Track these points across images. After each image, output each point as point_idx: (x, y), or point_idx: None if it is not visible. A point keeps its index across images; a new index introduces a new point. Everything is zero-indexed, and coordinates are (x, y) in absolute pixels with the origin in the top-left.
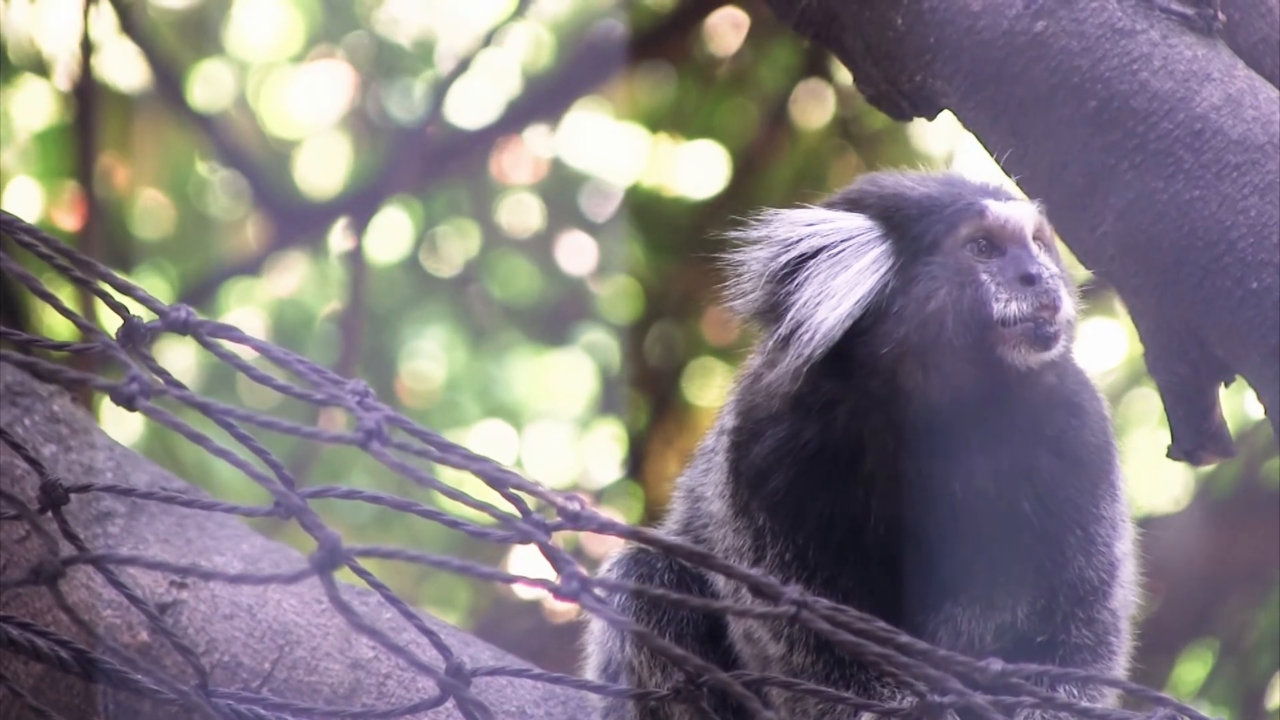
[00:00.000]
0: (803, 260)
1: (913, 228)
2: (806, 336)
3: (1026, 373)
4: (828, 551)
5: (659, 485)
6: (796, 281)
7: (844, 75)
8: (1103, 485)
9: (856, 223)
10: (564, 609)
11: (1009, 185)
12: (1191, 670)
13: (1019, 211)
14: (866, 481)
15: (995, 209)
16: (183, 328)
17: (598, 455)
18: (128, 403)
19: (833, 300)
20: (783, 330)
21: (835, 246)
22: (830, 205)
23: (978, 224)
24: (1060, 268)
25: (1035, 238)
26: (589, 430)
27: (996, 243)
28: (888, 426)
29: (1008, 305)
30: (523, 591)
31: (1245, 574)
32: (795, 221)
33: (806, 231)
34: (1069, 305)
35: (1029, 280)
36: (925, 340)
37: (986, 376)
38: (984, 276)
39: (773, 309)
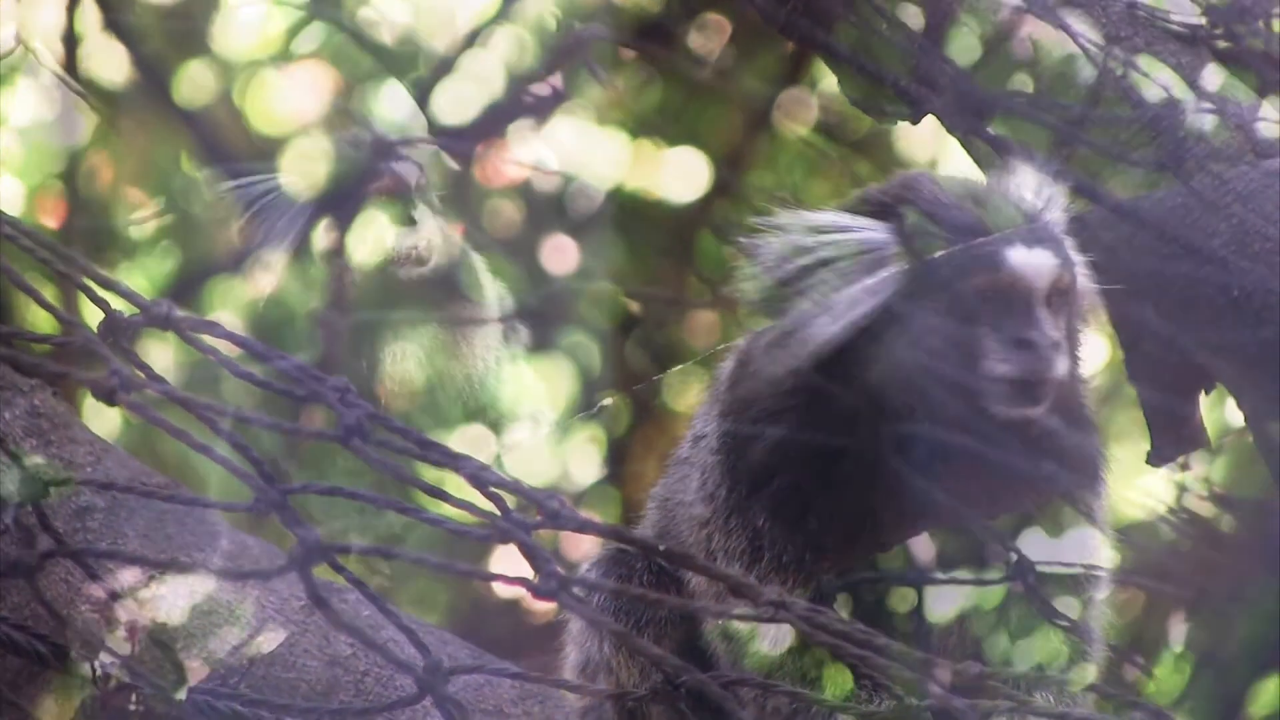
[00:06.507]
0: (809, 270)
1: (929, 258)
2: (801, 343)
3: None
4: (833, 540)
5: (638, 488)
6: (800, 288)
7: (828, 82)
8: (1096, 485)
9: (873, 235)
10: (543, 610)
11: (1048, 216)
12: (1170, 680)
13: (1035, 267)
14: (867, 472)
15: (1012, 263)
16: (164, 322)
17: (577, 458)
18: (108, 397)
19: (833, 313)
20: (785, 328)
21: (846, 259)
22: (856, 207)
23: (991, 278)
24: (1072, 321)
25: (1051, 291)
26: (568, 433)
27: (1004, 297)
28: (880, 433)
29: (997, 364)
30: (502, 591)
31: (1223, 584)
32: (811, 225)
33: (819, 240)
34: (1061, 369)
35: (1024, 345)
36: (910, 375)
37: (972, 414)
38: (983, 329)
39: (776, 306)
